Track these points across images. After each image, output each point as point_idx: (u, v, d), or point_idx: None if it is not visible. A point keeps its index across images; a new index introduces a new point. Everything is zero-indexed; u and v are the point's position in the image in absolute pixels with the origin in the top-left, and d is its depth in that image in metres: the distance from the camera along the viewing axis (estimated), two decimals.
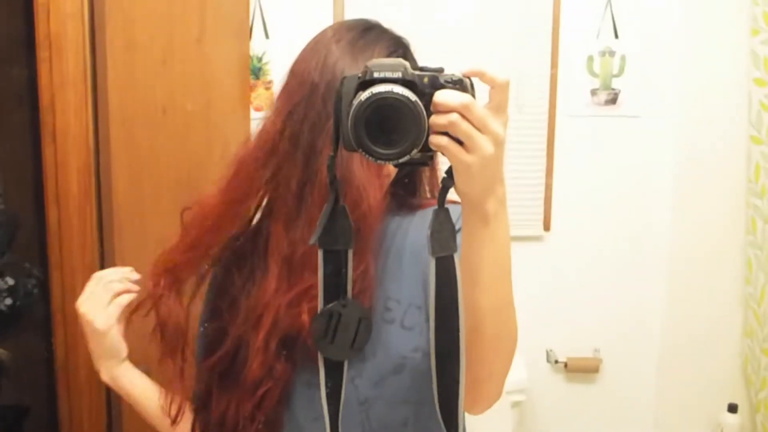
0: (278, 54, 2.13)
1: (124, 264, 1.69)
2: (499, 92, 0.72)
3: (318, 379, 0.92)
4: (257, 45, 2.13)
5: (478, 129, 0.69)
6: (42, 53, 1.57)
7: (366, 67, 0.70)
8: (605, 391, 2.33)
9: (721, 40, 2.18)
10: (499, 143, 0.70)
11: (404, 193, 1.12)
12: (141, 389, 1.17)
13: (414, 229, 1.08)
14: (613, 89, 2.18)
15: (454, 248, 0.76)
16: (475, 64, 0.71)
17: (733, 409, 2.25)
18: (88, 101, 1.63)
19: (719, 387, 2.33)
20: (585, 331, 2.30)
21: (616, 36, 2.17)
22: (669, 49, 2.19)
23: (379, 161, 0.69)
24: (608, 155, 2.22)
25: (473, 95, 0.70)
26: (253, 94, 2.14)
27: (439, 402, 0.80)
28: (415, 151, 0.68)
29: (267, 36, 2.13)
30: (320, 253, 0.80)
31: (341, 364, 0.84)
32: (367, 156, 0.69)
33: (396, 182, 1.10)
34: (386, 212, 1.10)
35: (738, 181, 2.22)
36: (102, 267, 1.69)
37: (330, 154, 0.79)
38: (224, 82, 1.98)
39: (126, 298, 1.14)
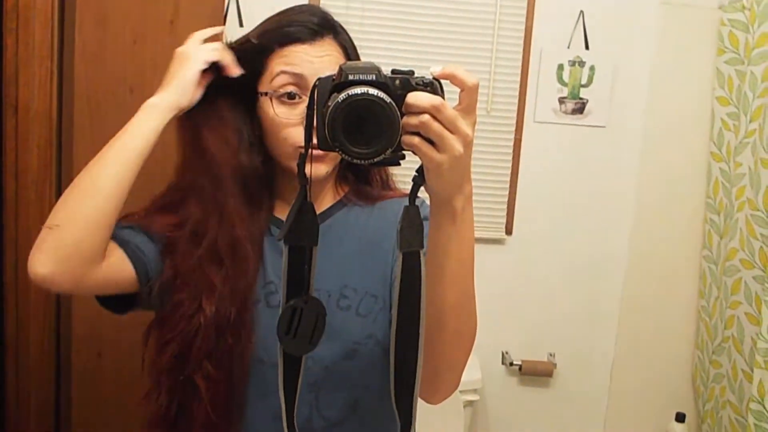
0: None
1: None
2: (469, 94, 0.74)
3: (271, 358, 0.93)
4: (231, 32, 2.11)
5: (449, 129, 0.72)
6: (8, 24, 1.55)
7: (340, 68, 0.73)
8: (557, 395, 2.36)
9: (688, 58, 2.23)
10: (468, 143, 0.74)
11: (361, 183, 1.15)
12: (138, 146, 0.99)
13: (374, 221, 1.10)
14: (580, 99, 2.21)
15: (421, 245, 0.78)
16: (447, 67, 0.74)
17: (680, 418, 2.29)
18: (54, 76, 1.61)
19: (669, 396, 2.37)
20: (541, 335, 2.33)
21: (587, 47, 2.20)
22: (637, 62, 2.22)
23: (355, 160, 0.71)
24: (573, 163, 2.25)
25: (443, 97, 0.73)
26: None
27: (395, 392, 0.82)
28: (389, 150, 0.71)
29: (241, 24, 2.12)
30: (285, 249, 0.82)
31: (299, 359, 0.86)
32: (344, 155, 0.71)
33: (348, 170, 1.12)
34: (345, 202, 1.12)
35: (697, 196, 2.27)
36: None
37: (301, 152, 0.81)
38: None
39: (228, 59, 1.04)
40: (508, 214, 2.25)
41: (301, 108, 0.99)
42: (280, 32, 1.02)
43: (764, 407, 1.88)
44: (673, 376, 2.37)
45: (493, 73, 2.16)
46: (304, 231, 0.82)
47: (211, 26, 2.05)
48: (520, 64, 2.18)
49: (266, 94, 1.01)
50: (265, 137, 1.05)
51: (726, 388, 2.10)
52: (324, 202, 1.11)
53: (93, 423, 1.69)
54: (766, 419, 1.88)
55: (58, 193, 1.66)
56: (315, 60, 1.01)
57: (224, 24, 2.10)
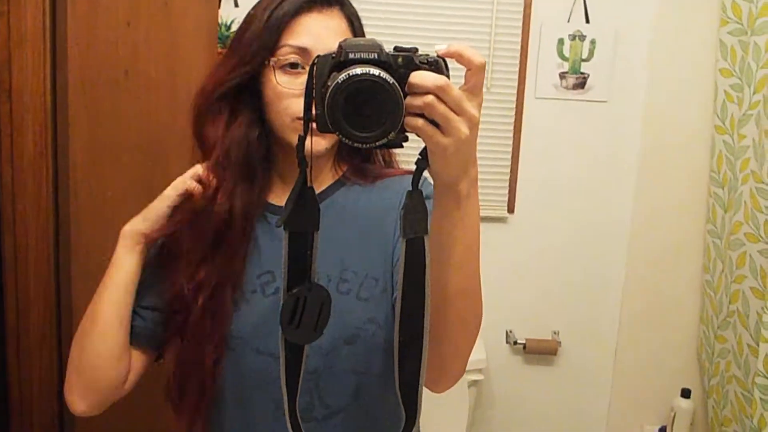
0: None
1: (78, 227, 1.68)
2: (476, 74, 0.71)
3: (268, 348, 0.94)
4: (226, 12, 2.09)
5: (454, 111, 0.68)
6: (0, 8, 1.53)
7: (340, 46, 0.69)
8: (562, 373, 2.35)
9: (691, 29, 2.20)
10: (474, 125, 0.70)
11: (361, 161, 1.13)
12: (123, 280, 1.04)
13: (374, 200, 1.08)
14: (582, 73, 2.19)
15: (425, 230, 0.75)
16: (452, 45, 0.70)
17: (686, 394, 2.29)
18: (47, 59, 1.59)
19: (674, 372, 2.36)
20: (545, 313, 2.32)
21: (587, 20, 2.17)
22: (639, 35, 2.19)
23: (356, 144, 0.68)
24: (574, 139, 2.23)
25: (448, 77, 0.69)
26: None
27: (400, 381, 0.80)
28: (392, 133, 0.67)
29: (237, 4, 2.10)
30: (286, 236, 0.79)
31: (302, 348, 0.83)
32: (344, 139, 0.67)
33: (349, 149, 1.09)
34: (344, 181, 1.09)
35: (701, 170, 2.25)
36: (56, 229, 1.67)
37: (300, 134, 0.77)
38: (191, 48, 1.94)
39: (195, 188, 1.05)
40: (510, 192, 2.23)
41: (303, 78, 0.96)
42: (287, 4, 1.00)
43: None
44: (678, 351, 2.36)
45: (492, 49, 2.14)
46: (304, 216, 0.79)
47: (204, 8, 2.04)
48: (519, 39, 2.16)
49: (269, 62, 1.00)
50: (265, 109, 1.03)
51: (731, 362, 2.09)
52: (323, 181, 1.09)
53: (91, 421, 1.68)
54: None
55: (55, 178, 1.65)
56: (322, 31, 0.99)
57: (219, 5, 2.07)
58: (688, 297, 2.32)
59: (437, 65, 0.70)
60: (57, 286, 1.64)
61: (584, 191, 2.26)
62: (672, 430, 2.31)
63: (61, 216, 1.64)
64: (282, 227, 0.79)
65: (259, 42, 1.00)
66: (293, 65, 0.99)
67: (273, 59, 0.99)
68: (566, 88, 2.20)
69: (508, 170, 2.22)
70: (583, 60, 2.18)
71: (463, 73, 0.72)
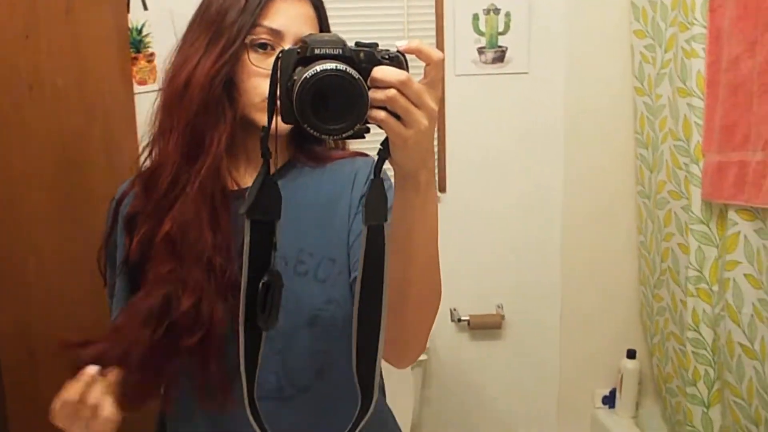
0: (158, 25, 2.07)
1: None
2: (434, 68, 0.76)
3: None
4: (135, 16, 2.07)
5: (415, 104, 0.74)
6: None
7: (304, 41, 0.73)
8: (509, 346, 2.37)
9: None
10: (432, 117, 0.76)
11: (311, 143, 1.15)
12: None
13: (327, 182, 1.11)
14: (499, 47, 2.19)
15: (385, 217, 0.80)
16: (411, 42, 0.75)
17: (631, 354, 2.32)
18: None
19: (619, 334, 2.39)
20: (487, 288, 2.33)
21: None
22: (553, 3, 2.20)
23: (323, 136, 0.72)
24: (499, 113, 2.24)
25: (408, 71, 0.74)
26: (135, 68, 2.08)
27: (357, 365, 0.85)
28: (358, 125, 0.72)
29: (145, 7, 2.07)
30: (247, 224, 0.82)
31: (260, 336, 0.87)
32: (312, 131, 0.71)
33: (298, 133, 1.11)
34: (295, 163, 1.12)
35: (626, 132, 2.27)
36: None
37: (263, 125, 0.81)
38: (100, 55, 1.93)
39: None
40: (439, 171, 2.24)
41: (272, 60, 0.92)
42: None
43: (700, 334, 1.91)
44: (621, 313, 2.38)
45: (407, 30, 2.14)
46: (267, 205, 0.83)
47: (112, 13, 2.01)
48: (434, 18, 2.16)
49: (244, 42, 1.02)
50: (236, 90, 1.04)
51: (669, 320, 2.12)
52: (276, 163, 1.11)
53: (30, 424, 1.67)
54: (703, 346, 1.90)
55: None
56: (294, 16, 1.03)
57: (128, 10, 2.05)
58: (625, 259, 2.35)
59: (398, 60, 0.74)
60: None
61: (514, 164, 2.27)
62: (621, 391, 2.34)
63: None
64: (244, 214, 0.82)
65: (240, 22, 1.02)
66: (263, 45, 1.02)
67: (249, 38, 1.02)
68: (486, 62, 2.20)
69: (436, 150, 2.22)
70: (500, 33, 2.19)
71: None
